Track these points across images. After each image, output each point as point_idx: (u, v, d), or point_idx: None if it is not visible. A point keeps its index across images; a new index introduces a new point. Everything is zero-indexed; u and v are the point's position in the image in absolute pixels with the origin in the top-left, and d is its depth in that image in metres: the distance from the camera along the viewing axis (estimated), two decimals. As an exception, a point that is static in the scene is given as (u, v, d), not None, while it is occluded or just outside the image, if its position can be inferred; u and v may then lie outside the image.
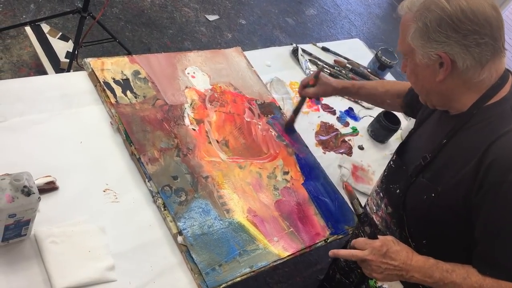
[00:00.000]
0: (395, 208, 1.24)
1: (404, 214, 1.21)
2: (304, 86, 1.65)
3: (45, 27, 2.56)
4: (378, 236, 1.17)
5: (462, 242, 1.11)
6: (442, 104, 1.15)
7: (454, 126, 1.12)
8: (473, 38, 1.01)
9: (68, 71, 2.38)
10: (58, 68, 2.43)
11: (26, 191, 1.01)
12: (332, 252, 1.21)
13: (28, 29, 2.50)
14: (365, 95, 1.63)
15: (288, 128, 1.76)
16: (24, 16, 2.72)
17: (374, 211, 1.32)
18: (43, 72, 2.40)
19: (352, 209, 1.27)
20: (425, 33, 1.05)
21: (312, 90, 1.63)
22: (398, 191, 1.22)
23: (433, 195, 1.11)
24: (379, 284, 1.19)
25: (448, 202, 1.08)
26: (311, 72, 2.09)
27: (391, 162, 1.30)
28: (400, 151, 1.29)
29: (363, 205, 1.29)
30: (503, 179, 0.99)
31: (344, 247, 1.58)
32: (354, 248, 1.17)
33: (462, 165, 1.06)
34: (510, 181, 0.99)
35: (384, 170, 1.34)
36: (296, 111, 1.73)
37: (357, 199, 1.25)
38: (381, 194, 1.30)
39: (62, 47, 2.51)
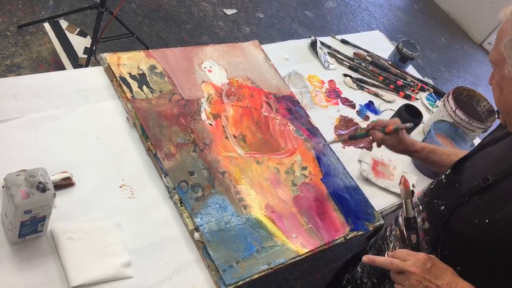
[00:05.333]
0: (433, 225, 1.14)
1: (442, 234, 1.10)
2: (377, 125, 1.47)
3: (64, 23, 2.58)
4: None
5: (505, 277, 1.01)
6: None
7: None
8: None
9: (86, 66, 2.39)
10: (77, 64, 2.44)
11: (41, 187, 1.01)
12: (367, 258, 1.10)
13: (47, 25, 2.52)
14: (435, 162, 1.45)
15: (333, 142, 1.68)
16: (43, 13, 2.74)
17: None
18: (61, 68, 2.42)
19: (404, 210, 1.16)
20: None
21: (381, 136, 1.44)
22: (442, 207, 1.12)
23: (487, 221, 0.99)
24: None
25: (504, 232, 0.97)
26: (330, 66, 2.06)
27: (443, 176, 1.19)
28: (457, 168, 1.18)
29: (389, 215, 1.22)
30: None
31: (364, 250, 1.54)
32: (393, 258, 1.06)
33: None
34: None
35: (431, 183, 1.24)
36: (352, 137, 1.58)
37: (412, 200, 1.15)
38: (420, 207, 1.20)
39: (80, 43, 2.53)
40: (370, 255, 1.11)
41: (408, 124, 1.41)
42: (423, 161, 1.49)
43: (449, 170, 1.18)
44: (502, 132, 1.17)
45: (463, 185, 1.10)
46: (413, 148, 1.46)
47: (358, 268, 1.43)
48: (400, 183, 1.17)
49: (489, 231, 0.99)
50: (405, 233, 1.20)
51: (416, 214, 1.20)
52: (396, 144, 1.45)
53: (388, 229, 1.36)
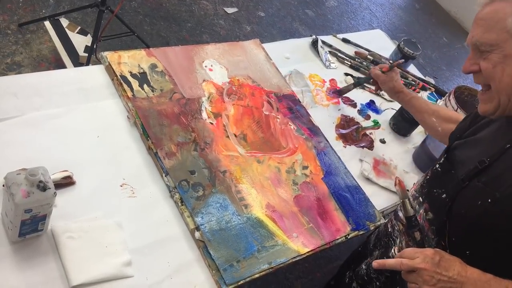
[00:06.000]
0: (437, 214, 1.15)
1: (447, 221, 1.12)
2: (378, 68, 1.74)
3: (64, 22, 2.57)
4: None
5: None
6: None
7: None
8: None
9: (87, 65, 2.39)
10: (77, 62, 2.43)
11: (42, 186, 1.00)
12: (377, 263, 1.11)
13: (47, 23, 2.52)
14: (414, 106, 1.62)
15: (340, 91, 1.92)
16: (43, 11, 2.73)
17: None
18: (62, 66, 2.41)
19: (402, 210, 1.18)
20: None
21: (378, 72, 1.71)
22: (444, 195, 1.14)
23: (489, 200, 1.02)
24: None
25: (507, 209, 1.00)
26: (331, 65, 2.06)
27: (437, 166, 1.22)
28: (449, 155, 1.21)
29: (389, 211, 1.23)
30: None
31: (364, 247, 1.54)
32: (401, 259, 1.07)
33: None
34: None
35: (426, 174, 1.25)
36: (356, 84, 1.92)
37: (409, 199, 1.16)
38: (420, 198, 1.22)
39: (80, 42, 2.52)
40: (379, 260, 1.12)
41: (400, 60, 1.71)
42: (406, 103, 1.66)
43: (442, 159, 1.20)
44: (483, 122, 1.21)
45: (460, 171, 1.12)
46: (400, 89, 1.67)
47: (363, 266, 1.42)
48: (395, 184, 1.20)
49: (492, 211, 1.01)
50: (409, 231, 1.21)
51: (416, 210, 1.21)
52: (388, 80, 1.68)
53: (389, 225, 1.36)
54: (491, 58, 1.03)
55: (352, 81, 2.01)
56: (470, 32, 1.07)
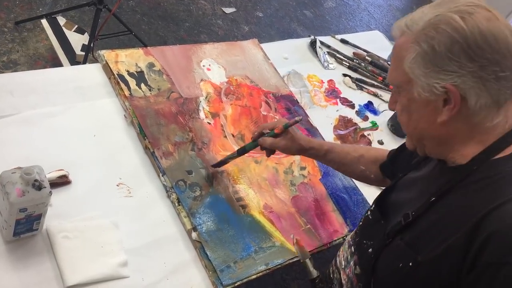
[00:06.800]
0: (364, 270, 1.01)
1: (372, 281, 0.97)
2: (264, 129, 1.32)
3: (61, 20, 2.55)
4: None
5: None
6: (438, 152, 0.93)
7: (448, 181, 0.89)
8: (493, 71, 0.79)
9: (84, 64, 2.37)
10: (74, 61, 2.42)
11: (37, 185, 0.99)
12: None
13: (44, 22, 2.50)
14: (333, 160, 1.36)
15: (218, 163, 1.41)
16: (40, 9, 2.72)
17: (343, 266, 1.11)
18: (59, 65, 2.39)
19: (306, 271, 1.11)
20: (430, 59, 0.82)
21: (271, 140, 1.29)
22: (370, 250, 1.00)
23: (410, 264, 0.88)
24: None
25: (429, 276, 0.86)
26: (330, 65, 2.05)
27: (369, 213, 1.08)
28: (381, 201, 1.07)
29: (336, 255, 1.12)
30: (503, 260, 0.75)
31: None
32: None
33: (451, 233, 0.83)
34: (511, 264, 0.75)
35: (360, 220, 1.12)
36: (240, 152, 1.37)
37: (310, 259, 1.08)
38: (352, 248, 1.08)
39: (78, 40, 2.50)
40: None
41: (297, 118, 1.27)
42: (322, 159, 1.39)
43: (373, 205, 1.08)
44: (419, 157, 1.06)
45: (390, 222, 0.99)
46: (310, 145, 1.33)
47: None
48: (293, 244, 1.12)
49: (414, 275, 0.88)
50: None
51: (319, 274, 1.15)
52: (290, 144, 1.30)
53: (331, 270, 1.22)
54: (401, 100, 0.92)
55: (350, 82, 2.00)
56: None
